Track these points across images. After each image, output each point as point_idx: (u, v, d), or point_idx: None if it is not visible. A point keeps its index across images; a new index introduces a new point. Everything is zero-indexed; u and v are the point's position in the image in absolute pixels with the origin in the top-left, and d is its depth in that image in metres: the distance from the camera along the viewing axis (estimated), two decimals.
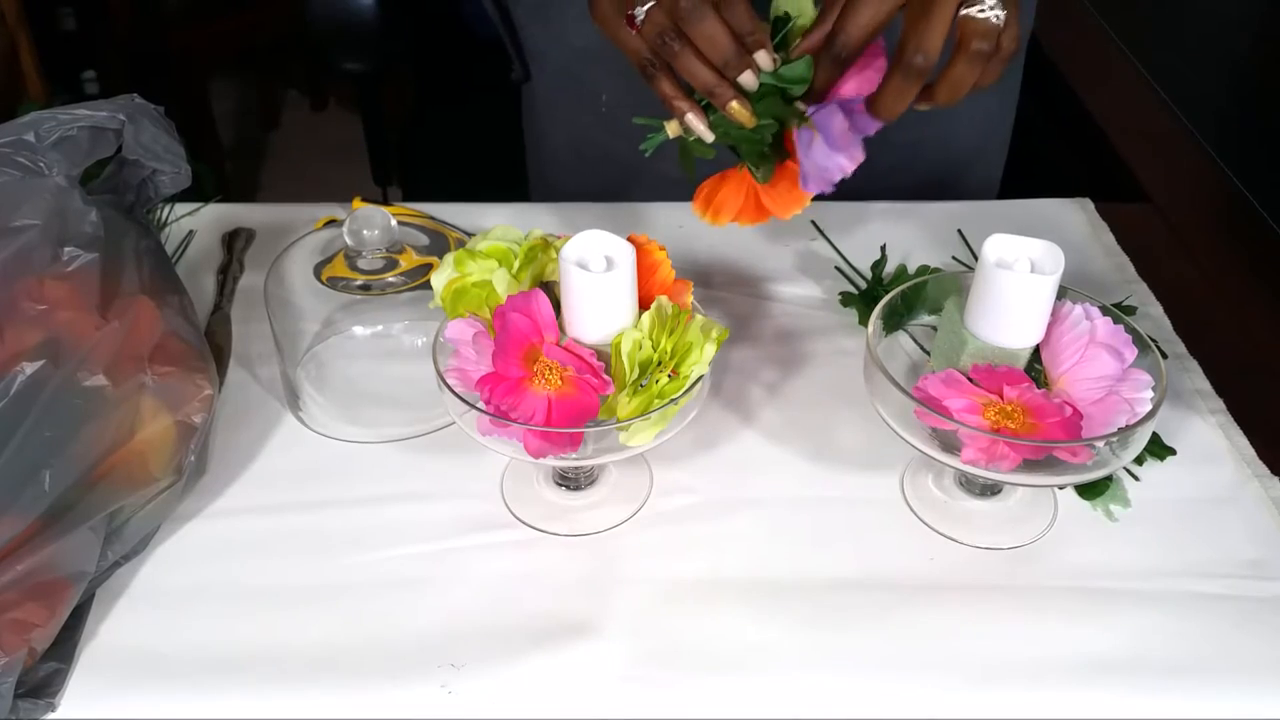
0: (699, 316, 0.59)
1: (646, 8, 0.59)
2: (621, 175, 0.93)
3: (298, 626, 0.57)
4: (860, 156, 0.60)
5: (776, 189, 0.64)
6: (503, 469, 0.66)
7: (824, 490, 0.65)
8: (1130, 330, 0.59)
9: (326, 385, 0.71)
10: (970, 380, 0.58)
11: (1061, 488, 0.65)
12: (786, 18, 0.61)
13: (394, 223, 0.68)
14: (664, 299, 0.58)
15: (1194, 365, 0.74)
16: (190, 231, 0.84)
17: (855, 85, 0.61)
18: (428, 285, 0.61)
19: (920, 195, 0.90)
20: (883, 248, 0.82)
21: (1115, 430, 0.56)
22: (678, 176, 0.92)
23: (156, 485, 0.59)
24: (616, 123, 0.91)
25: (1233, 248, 0.91)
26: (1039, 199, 0.90)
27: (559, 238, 0.61)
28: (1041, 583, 0.60)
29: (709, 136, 0.61)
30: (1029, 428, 0.56)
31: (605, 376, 0.55)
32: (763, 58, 0.59)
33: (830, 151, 0.59)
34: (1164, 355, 0.60)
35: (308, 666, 0.55)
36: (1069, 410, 0.56)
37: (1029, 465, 0.57)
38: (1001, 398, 0.57)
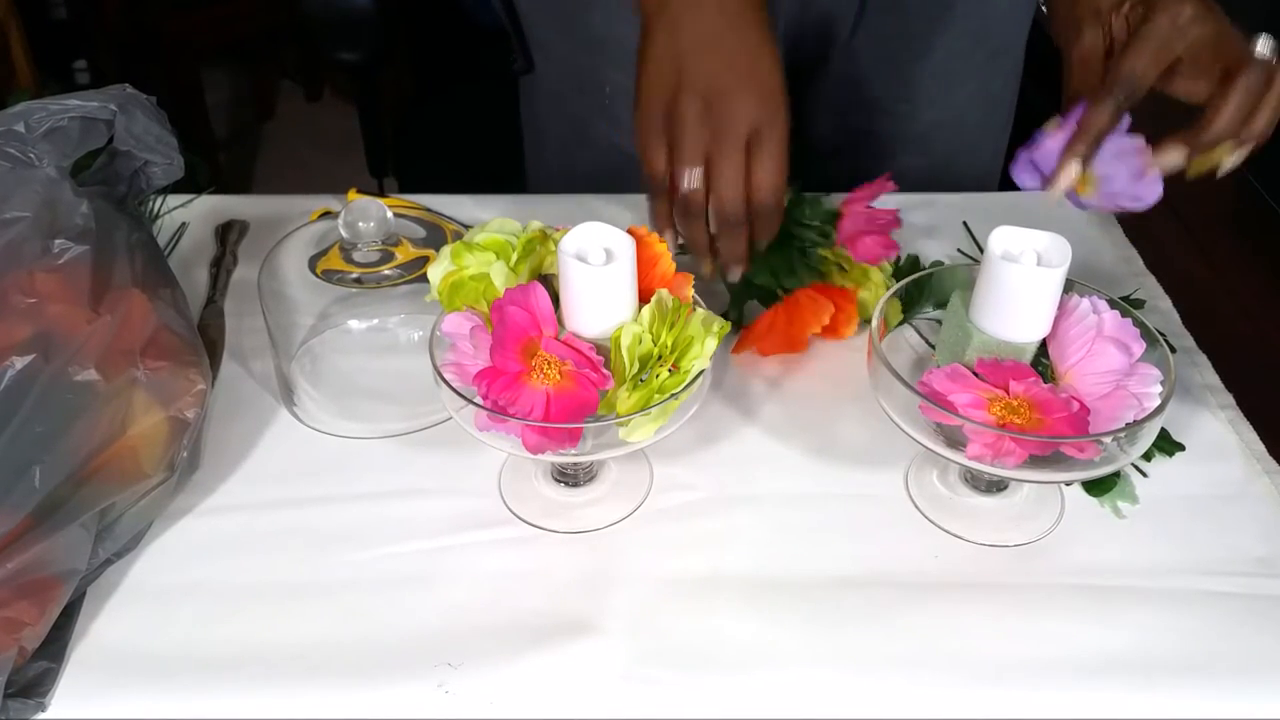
0: (700, 310, 0.58)
1: (697, 178, 0.63)
2: (623, 166, 0.92)
3: (292, 625, 0.57)
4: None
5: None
6: (500, 465, 0.65)
7: (826, 486, 0.65)
8: (1138, 324, 0.58)
9: (321, 380, 0.70)
10: (976, 375, 0.57)
11: (1068, 484, 0.64)
12: None
13: (390, 215, 0.67)
14: (664, 292, 0.57)
15: (1203, 359, 0.73)
16: (183, 223, 0.83)
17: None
18: (424, 278, 0.61)
19: (920, 182, 0.89)
20: None
21: (1123, 426, 0.55)
22: None
23: (148, 481, 0.58)
24: (619, 113, 0.90)
25: (1242, 240, 0.91)
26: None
27: (557, 230, 0.60)
28: (1048, 580, 0.60)
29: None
30: (1035, 423, 0.55)
31: (604, 371, 0.55)
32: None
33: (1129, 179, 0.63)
34: (1172, 349, 0.60)
35: (302, 665, 0.55)
36: (1076, 405, 0.55)
37: (1035, 461, 0.56)
38: (1007, 392, 0.56)
